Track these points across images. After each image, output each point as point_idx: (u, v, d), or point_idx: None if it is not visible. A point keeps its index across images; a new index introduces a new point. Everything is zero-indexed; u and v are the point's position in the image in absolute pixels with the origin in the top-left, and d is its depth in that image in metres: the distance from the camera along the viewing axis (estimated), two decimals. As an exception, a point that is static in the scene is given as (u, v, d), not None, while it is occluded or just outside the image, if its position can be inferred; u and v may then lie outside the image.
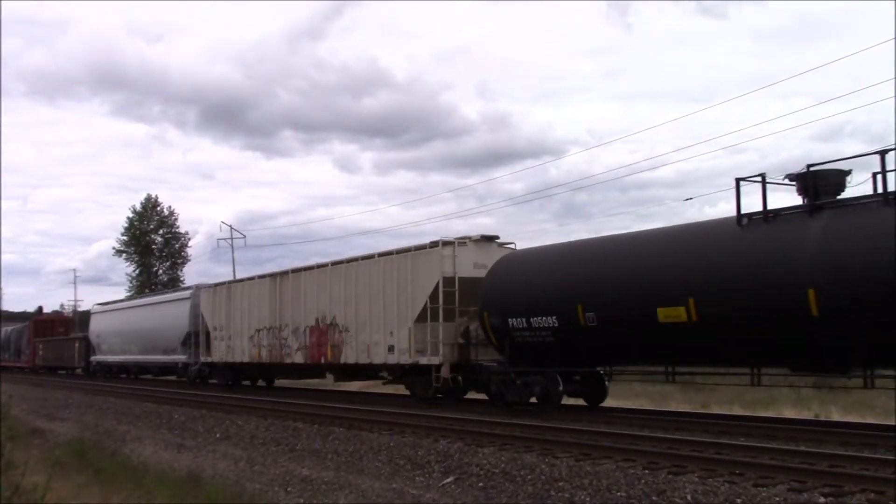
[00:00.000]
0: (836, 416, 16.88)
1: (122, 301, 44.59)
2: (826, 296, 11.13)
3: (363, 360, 20.39)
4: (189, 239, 75.43)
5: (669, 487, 8.62)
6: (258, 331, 25.26)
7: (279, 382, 29.47)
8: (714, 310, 12.48)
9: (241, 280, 28.64)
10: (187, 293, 32.24)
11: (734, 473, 9.09)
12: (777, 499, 7.96)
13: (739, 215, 12.62)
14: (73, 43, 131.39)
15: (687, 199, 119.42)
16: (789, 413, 16.70)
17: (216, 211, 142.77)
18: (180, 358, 31.25)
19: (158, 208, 73.55)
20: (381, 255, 20.44)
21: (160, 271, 73.52)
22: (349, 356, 20.76)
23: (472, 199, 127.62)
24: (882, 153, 11.26)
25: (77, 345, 43.50)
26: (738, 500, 8.01)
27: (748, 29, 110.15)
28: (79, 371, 43.30)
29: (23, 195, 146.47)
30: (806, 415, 16.87)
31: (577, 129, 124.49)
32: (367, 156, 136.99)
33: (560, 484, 9.32)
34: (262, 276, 26.28)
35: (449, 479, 10.16)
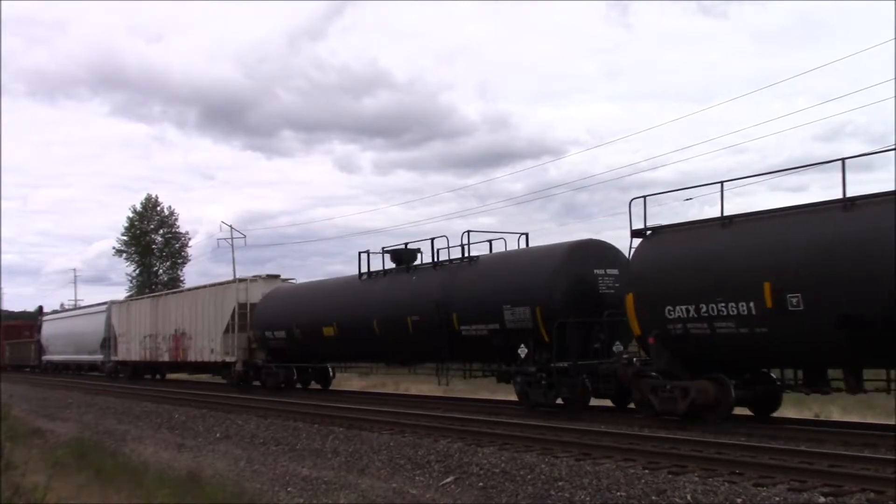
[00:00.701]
0: (836, 416, 16.87)
1: (62, 311, 56.99)
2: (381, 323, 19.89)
3: (199, 358, 29.13)
4: (189, 239, 75.49)
5: (669, 487, 8.62)
6: (145, 337, 33.89)
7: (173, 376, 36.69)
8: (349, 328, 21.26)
9: (137, 298, 40.98)
10: (104, 307, 40.56)
11: (734, 473, 9.09)
12: (777, 499, 7.96)
13: (360, 273, 21.53)
14: (73, 43, 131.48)
15: (687, 200, 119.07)
16: (789, 413, 16.65)
17: (216, 211, 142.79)
18: (99, 357, 39.80)
19: (158, 208, 73.57)
20: (209, 286, 30.08)
21: (160, 271, 73.54)
22: (191, 356, 29.72)
23: (473, 199, 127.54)
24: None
25: (33, 346, 52.24)
26: (738, 500, 8.01)
27: (749, 29, 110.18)
28: (37, 368, 51.22)
29: (23, 195, 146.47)
30: (806, 415, 16.85)
31: (578, 129, 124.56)
32: (367, 156, 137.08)
33: (560, 483, 9.32)
34: (147, 297, 38.01)
35: (449, 479, 10.16)
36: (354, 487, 10.06)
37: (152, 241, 73.09)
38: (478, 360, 18.42)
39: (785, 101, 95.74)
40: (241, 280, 28.12)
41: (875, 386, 12.19)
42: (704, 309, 12.79)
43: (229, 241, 61.16)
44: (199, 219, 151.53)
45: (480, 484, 9.80)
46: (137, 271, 72.50)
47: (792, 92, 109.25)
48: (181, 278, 72.28)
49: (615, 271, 16.12)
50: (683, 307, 13.08)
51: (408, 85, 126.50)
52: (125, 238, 72.50)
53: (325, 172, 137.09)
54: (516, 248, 18.69)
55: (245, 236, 62.42)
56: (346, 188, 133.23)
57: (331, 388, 26.33)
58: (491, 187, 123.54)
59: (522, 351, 16.16)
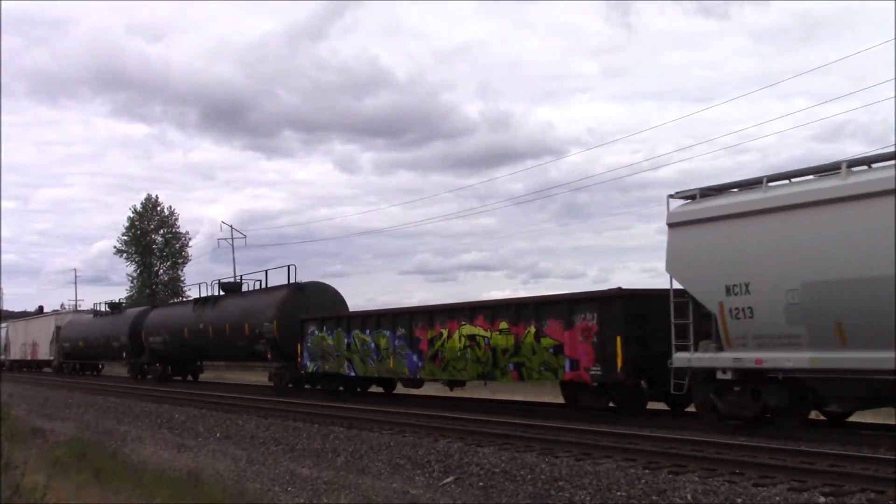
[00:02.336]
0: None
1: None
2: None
3: (41, 357, 50.58)
4: (189, 239, 75.51)
5: (669, 487, 8.63)
6: (21, 345, 55.22)
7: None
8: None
9: (16, 321, 62.42)
10: (5, 325, 61.27)
11: (734, 473, 9.10)
12: (777, 499, 7.96)
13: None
14: (73, 42, 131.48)
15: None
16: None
17: (217, 211, 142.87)
18: (9, 357, 57.90)
19: (159, 208, 73.59)
20: (44, 316, 56.87)
21: (160, 271, 73.55)
22: (38, 356, 51.27)
23: (473, 200, 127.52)
24: None
25: None
26: (738, 500, 8.01)
27: (749, 29, 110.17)
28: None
29: (23, 195, 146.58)
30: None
31: (578, 129, 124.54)
32: (367, 156, 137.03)
33: (560, 483, 9.32)
34: (21, 320, 61.10)
35: (449, 479, 10.16)
36: (355, 487, 10.06)
37: (152, 241, 73.09)
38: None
39: (785, 101, 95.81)
40: (56, 313, 56.10)
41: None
42: None
43: (229, 241, 61.21)
44: (200, 219, 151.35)
45: (481, 484, 9.80)
46: (138, 271, 72.53)
47: (792, 92, 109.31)
48: (181, 278, 72.35)
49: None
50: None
51: (408, 85, 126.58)
52: (125, 238, 72.54)
53: (326, 172, 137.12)
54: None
55: (245, 236, 62.49)
56: (346, 188, 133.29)
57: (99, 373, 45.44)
58: (491, 187, 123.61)
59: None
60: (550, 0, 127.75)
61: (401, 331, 19.53)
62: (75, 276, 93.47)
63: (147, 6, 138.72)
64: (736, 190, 13.18)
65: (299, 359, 23.56)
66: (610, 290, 15.05)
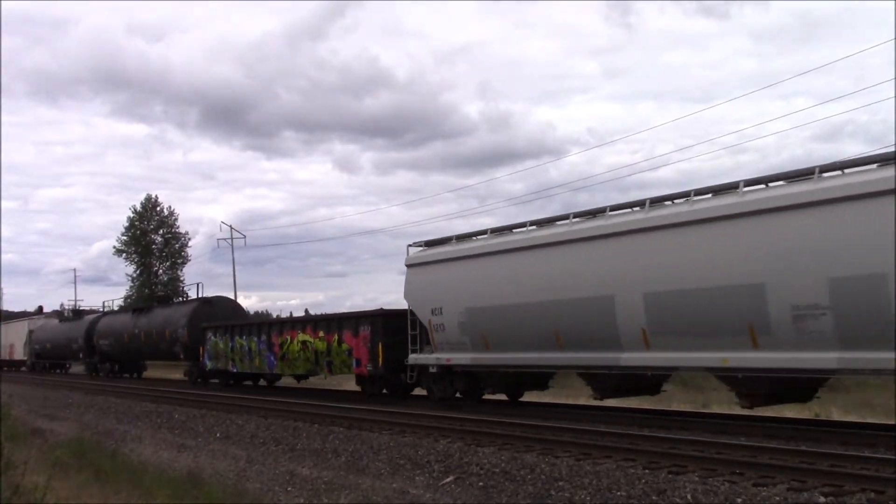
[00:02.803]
0: (836, 416, 16.87)
1: None
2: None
3: (18, 357, 54.34)
4: (189, 239, 75.49)
5: (670, 487, 8.62)
6: (3, 345, 58.24)
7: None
8: None
9: (6, 322, 63.59)
10: None
11: (734, 473, 9.10)
12: (777, 499, 7.96)
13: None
14: (73, 42, 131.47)
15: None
16: (789, 413, 16.66)
17: (217, 211, 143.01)
18: None
19: (158, 208, 73.54)
20: (18, 321, 59.46)
21: (160, 271, 73.50)
22: (15, 356, 55.58)
23: (473, 199, 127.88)
24: None
25: None
26: (738, 500, 8.01)
27: (749, 29, 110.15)
28: None
29: (23, 195, 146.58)
30: (806, 415, 16.84)
31: (578, 129, 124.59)
32: (367, 156, 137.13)
33: (560, 483, 9.32)
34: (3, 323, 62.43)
35: (449, 479, 10.16)
36: (355, 487, 10.06)
37: (152, 241, 73.06)
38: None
39: (785, 101, 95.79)
40: (29, 318, 59.93)
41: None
42: None
43: (229, 241, 61.21)
44: (200, 219, 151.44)
45: (481, 484, 9.80)
46: (137, 271, 72.49)
47: (792, 92, 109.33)
48: (181, 279, 72.30)
49: None
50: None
51: (408, 85, 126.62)
52: (125, 238, 72.50)
53: (326, 172, 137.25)
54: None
55: (245, 236, 62.50)
56: (346, 188, 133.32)
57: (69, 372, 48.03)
58: (491, 187, 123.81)
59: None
60: (550, 0, 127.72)
61: (263, 337, 25.32)
62: (75, 277, 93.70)
63: (147, 6, 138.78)
64: (452, 241, 18.45)
65: (201, 358, 29.50)
66: (375, 310, 21.11)
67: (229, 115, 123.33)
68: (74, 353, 43.37)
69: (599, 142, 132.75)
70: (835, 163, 11.77)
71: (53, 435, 16.79)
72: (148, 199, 73.15)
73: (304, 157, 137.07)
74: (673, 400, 20.83)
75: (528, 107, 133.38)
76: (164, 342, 32.46)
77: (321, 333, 22.52)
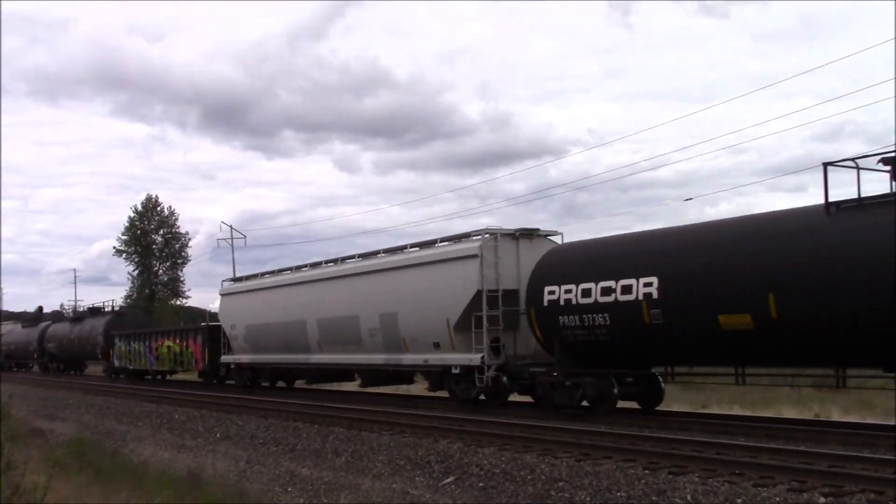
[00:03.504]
0: (836, 416, 16.86)
1: None
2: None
3: None
4: (189, 239, 75.50)
5: (670, 487, 8.62)
6: None
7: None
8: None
9: None
10: None
11: (734, 473, 9.09)
12: (777, 499, 7.96)
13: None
14: (74, 42, 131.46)
15: (687, 200, 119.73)
16: (789, 413, 16.67)
17: (217, 211, 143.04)
18: None
19: (159, 208, 73.57)
20: None
21: (160, 271, 73.52)
22: None
23: (474, 199, 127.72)
24: None
25: None
26: (738, 500, 8.01)
27: (750, 29, 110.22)
28: None
29: (23, 195, 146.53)
30: (806, 415, 16.85)
31: (578, 129, 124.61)
32: (368, 156, 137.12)
33: (560, 484, 9.31)
34: None
35: (449, 479, 10.16)
36: (355, 487, 10.06)
37: (152, 241, 73.06)
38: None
39: (785, 101, 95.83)
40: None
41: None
42: None
43: (229, 241, 61.20)
44: (200, 219, 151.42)
45: (481, 484, 9.79)
46: (137, 271, 72.50)
47: (792, 92, 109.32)
48: (181, 279, 72.34)
49: None
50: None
51: (409, 85, 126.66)
52: (125, 238, 72.51)
53: (326, 172, 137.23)
54: None
55: (245, 237, 62.42)
56: (346, 188, 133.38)
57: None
58: (491, 187, 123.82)
59: None
60: (551, 0, 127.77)
61: (147, 343, 34.77)
62: (75, 277, 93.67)
63: (147, 6, 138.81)
64: (243, 280, 27.91)
65: (111, 359, 38.95)
66: (202, 325, 31.27)
67: (229, 115, 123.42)
68: (31, 354, 52.18)
69: (599, 142, 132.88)
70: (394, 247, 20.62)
71: (53, 435, 16.79)
72: (148, 199, 73.19)
73: (304, 157, 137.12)
74: (673, 400, 20.84)
75: (528, 107, 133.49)
76: (90, 346, 42.08)
77: (177, 340, 32.22)
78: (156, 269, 73.32)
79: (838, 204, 11.59)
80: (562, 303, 14.81)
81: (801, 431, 12.32)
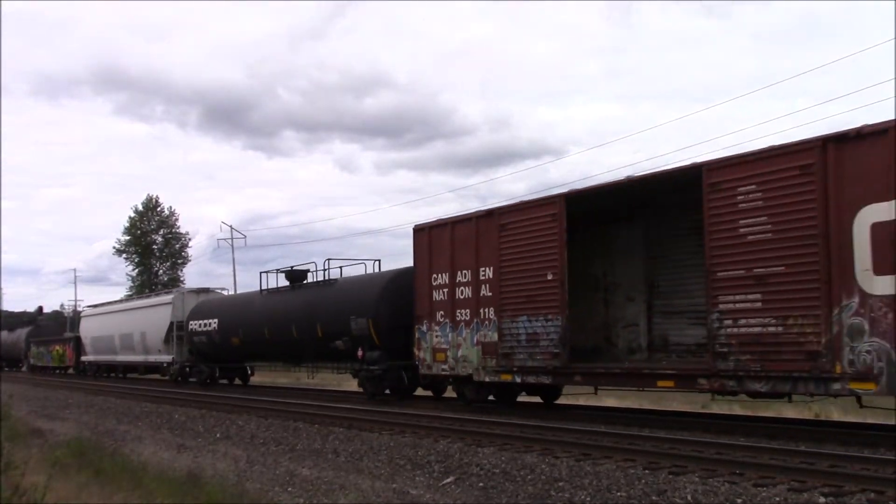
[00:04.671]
0: (836, 416, 16.86)
1: None
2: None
3: None
4: (189, 239, 75.58)
5: (670, 487, 8.62)
6: None
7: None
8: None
9: None
10: None
11: (734, 473, 9.09)
12: (777, 499, 7.96)
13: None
14: (74, 42, 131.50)
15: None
16: (789, 413, 16.64)
17: (217, 211, 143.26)
18: None
19: (159, 208, 73.62)
20: None
21: (160, 271, 73.57)
22: None
23: (474, 200, 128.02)
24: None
25: None
26: (738, 500, 8.01)
27: (750, 29, 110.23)
28: None
29: (24, 195, 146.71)
30: (806, 415, 16.84)
31: (579, 129, 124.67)
32: (368, 156, 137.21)
33: (560, 484, 9.32)
34: None
35: (449, 479, 10.16)
36: (355, 488, 10.06)
37: (153, 241, 73.09)
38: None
39: (786, 101, 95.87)
40: None
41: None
42: None
43: (229, 241, 61.31)
44: (200, 219, 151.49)
45: (481, 484, 9.80)
46: (137, 271, 72.53)
47: (793, 92, 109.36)
48: (181, 279, 72.38)
49: None
50: None
51: (409, 85, 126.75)
52: (126, 238, 72.55)
53: (326, 172, 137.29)
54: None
55: (245, 237, 62.72)
56: (347, 188, 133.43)
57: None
58: (492, 187, 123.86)
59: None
60: (552, 0, 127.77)
61: (49, 347, 49.78)
62: (75, 277, 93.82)
63: (148, 6, 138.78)
64: (94, 307, 44.28)
65: (28, 359, 53.73)
66: (72, 335, 46.84)
67: (230, 115, 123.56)
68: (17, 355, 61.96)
69: (600, 142, 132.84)
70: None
71: (53, 435, 16.79)
72: (149, 199, 73.34)
73: (305, 157, 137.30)
74: (673, 400, 20.84)
75: (528, 107, 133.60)
76: (17, 349, 57.32)
77: (61, 346, 47.98)
78: (156, 269, 73.38)
79: (264, 291, 26.53)
80: (197, 328, 29.58)
81: (801, 431, 12.32)
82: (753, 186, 11.87)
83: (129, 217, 72.68)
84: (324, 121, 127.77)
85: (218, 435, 15.90)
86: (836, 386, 11.07)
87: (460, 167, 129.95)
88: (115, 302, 42.21)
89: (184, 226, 76.73)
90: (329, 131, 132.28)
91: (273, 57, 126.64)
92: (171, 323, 31.21)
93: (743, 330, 11.93)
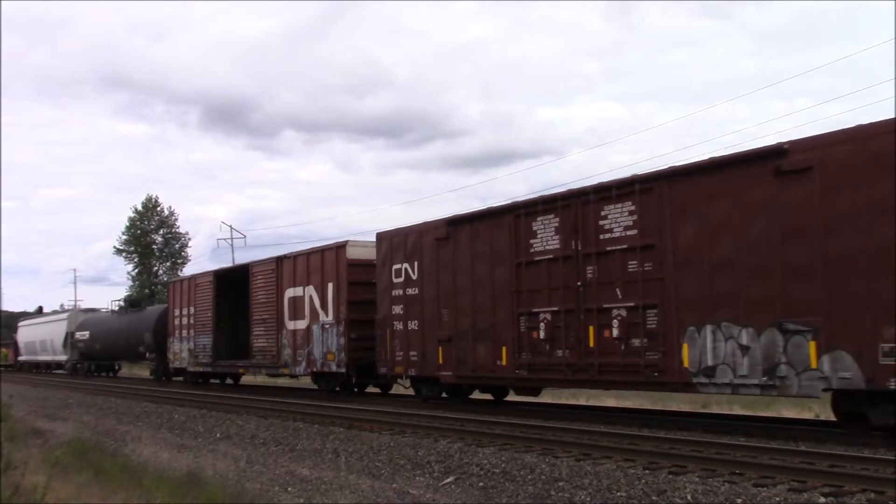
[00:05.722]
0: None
1: None
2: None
3: None
4: (189, 239, 75.66)
5: (670, 487, 8.63)
6: None
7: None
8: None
9: None
10: None
11: (734, 473, 9.10)
12: (777, 499, 7.96)
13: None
14: (75, 42, 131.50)
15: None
16: (789, 413, 16.68)
17: (217, 211, 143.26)
18: None
19: (159, 208, 73.63)
20: None
21: (160, 271, 73.57)
22: None
23: (474, 200, 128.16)
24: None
25: None
26: (738, 500, 8.01)
27: (750, 29, 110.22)
28: None
29: (24, 195, 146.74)
30: (806, 415, 16.85)
31: (579, 128, 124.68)
32: (368, 156, 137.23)
33: (560, 484, 9.32)
34: None
35: (449, 479, 10.16)
36: (355, 488, 10.06)
37: (152, 241, 73.11)
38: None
39: (786, 101, 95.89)
40: None
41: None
42: None
43: (229, 241, 61.35)
44: (201, 218, 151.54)
45: (481, 484, 9.80)
46: (137, 271, 72.53)
47: (793, 92, 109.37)
48: (180, 279, 72.39)
49: None
50: None
51: (409, 85, 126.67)
52: (125, 238, 72.56)
53: (326, 172, 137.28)
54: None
55: (245, 236, 62.81)
56: (347, 188, 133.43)
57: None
58: (492, 187, 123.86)
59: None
60: (552, 0, 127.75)
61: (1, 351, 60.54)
62: (75, 277, 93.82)
63: (148, 6, 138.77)
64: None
65: None
66: (12, 340, 56.48)
67: (230, 115, 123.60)
68: None
69: (600, 142, 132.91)
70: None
71: (53, 435, 16.78)
72: (148, 199, 73.34)
73: (305, 157, 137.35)
74: (673, 400, 20.85)
75: (529, 107, 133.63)
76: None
77: (7, 348, 56.49)
78: (156, 269, 73.38)
79: (114, 312, 40.86)
80: (79, 338, 41.13)
81: (801, 431, 12.32)
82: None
83: (129, 217, 72.73)
84: (324, 121, 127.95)
85: (218, 435, 15.91)
86: None
87: (460, 167, 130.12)
88: (36, 315, 57.40)
89: (184, 226, 76.95)
90: (329, 131, 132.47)
91: (273, 57, 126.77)
92: (67, 333, 43.37)
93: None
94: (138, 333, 34.46)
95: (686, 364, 12.72)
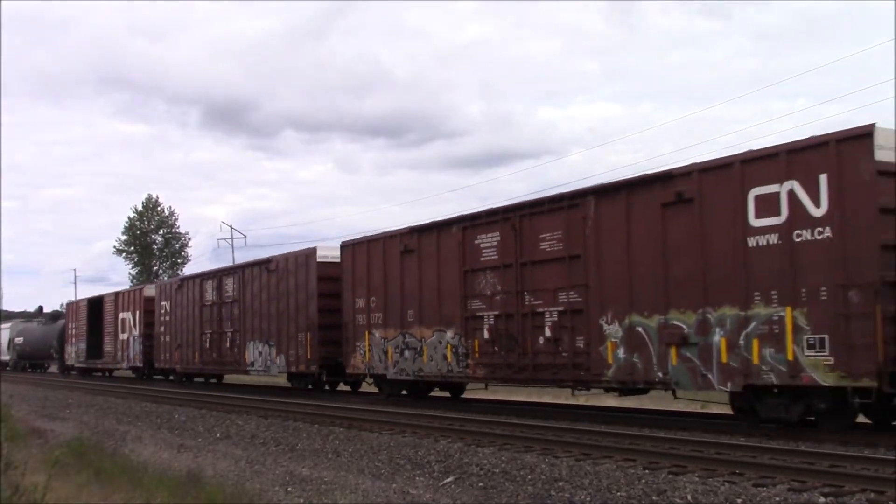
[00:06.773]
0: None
1: None
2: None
3: None
4: (189, 239, 75.68)
5: (670, 487, 8.63)
6: None
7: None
8: None
9: None
10: None
11: (734, 473, 9.10)
12: (777, 499, 7.96)
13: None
14: (75, 42, 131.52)
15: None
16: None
17: (217, 211, 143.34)
18: None
19: (159, 208, 73.66)
20: None
21: (160, 271, 73.57)
22: None
23: (474, 200, 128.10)
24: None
25: None
26: (738, 500, 8.01)
27: (751, 29, 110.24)
28: None
29: (24, 195, 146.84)
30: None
31: (579, 129, 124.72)
32: (368, 156, 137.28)
33: (560, 484, 9.32)
34: None
35: (449, 479, 10.16)
36: (355, 487, 10.06)
37: (152, 241, 73.12)
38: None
39: (786, 101, 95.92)
40: None
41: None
42: None
43: (229, 241, 61.37)
44: (201, 218, 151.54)
45: (481, 484, 9.80)
46: (137, 271, 72.54)
47: (793, 92, 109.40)
48: (180, 278, 72.42)
49: None
50: None
51: (409, 85, 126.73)
52: (125, 238, 72.58)
53: (326, 172, 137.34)
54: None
55: (245, 236, 62.85)
56: (347, 188, 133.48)
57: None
58: (492, 187, 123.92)
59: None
60: (552, 0, 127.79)
61: None
62: (75, 277, 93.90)
63: (149, 6, 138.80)
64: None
65: None
66: None
67: (230, 115, 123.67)
68: None
69: (601, 142, 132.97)
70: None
71: (53, 435, 16.78)
72: (148, 199, 73.40)
73: (305, 157, 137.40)
74: (673, 400, 20.81)
75: (529, 107, 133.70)
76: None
77: None
78: (156, 269, 73.38)
79: (39, 321, 54.28)
80: (18, 342, 52.02)
81: (801, 431, 12.31)
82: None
83: (129, 217, 72.78)
84: (324, 121, 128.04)
85: (218, 435, 15.91)
86: None
87: (460, 167, 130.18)
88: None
89: (184, 226, 76.91)
90: (329, 131, 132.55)
91: (273, 57, 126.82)
92: (10, 339, 53.28)
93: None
94: (51, 339, 46.97)
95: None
